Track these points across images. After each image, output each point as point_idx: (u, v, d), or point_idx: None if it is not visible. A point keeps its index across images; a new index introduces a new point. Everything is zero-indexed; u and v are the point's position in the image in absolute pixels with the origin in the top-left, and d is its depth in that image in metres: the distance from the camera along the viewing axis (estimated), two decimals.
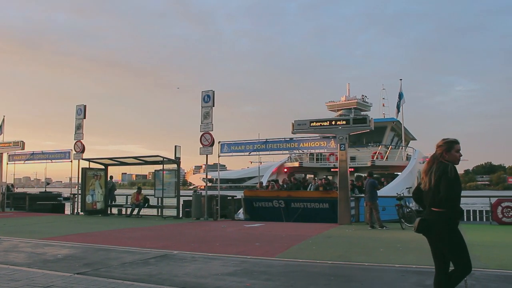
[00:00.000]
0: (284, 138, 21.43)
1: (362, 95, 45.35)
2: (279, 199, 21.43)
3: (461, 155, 5.08)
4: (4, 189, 28.17)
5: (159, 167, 23.37)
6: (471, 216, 22.22)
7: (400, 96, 33.43)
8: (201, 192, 23.14)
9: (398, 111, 33.38)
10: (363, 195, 18.98)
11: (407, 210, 17.50)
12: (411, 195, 7.40)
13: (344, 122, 18.89)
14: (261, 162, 39.30)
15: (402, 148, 32.40)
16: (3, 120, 31.50)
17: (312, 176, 33.36)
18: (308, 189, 23.20)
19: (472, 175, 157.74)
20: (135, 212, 23.37)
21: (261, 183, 25.31)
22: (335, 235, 14.26)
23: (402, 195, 18.13)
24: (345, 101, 44.35)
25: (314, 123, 19.30)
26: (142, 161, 24.53)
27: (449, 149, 5.09)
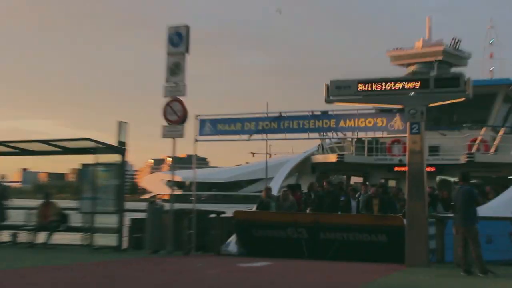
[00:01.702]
0: (312, 112, 21.25)
1: (454, 39, 45.03)
2: (297, 226, 21.56)
3: None
4: None
5: (89, 159, 23.27)
6: None
7: None
8: (162, 206, 23.09)
9: None
10: (451, 214, 18.88)
11: None
12: None
13: (419, 84, 18.81)
14: (270, 154, 39.25)
15: None
16: None
17: (361, 179, 33.28)
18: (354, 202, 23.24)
19: None
20: (43, 238, 23.32)
21: (268, 190, 25.21)
22: (399, 286, 14.14)
23: None
24: (422, 48, 44.17)
25: (365, 85, 19.23)
26: (58, 148, 24.40)
27: None
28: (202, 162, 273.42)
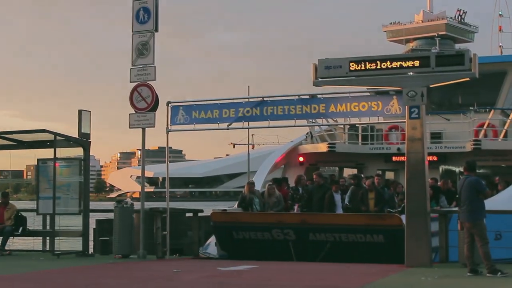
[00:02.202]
0: (299, 96, 21.32)
1: (458, 10, 45.20)
2: (283, 228, 21.66)
3: None
4: None
5: (48, 153, 23.27)
6: None
7: None
8: (132, 205, 23.14)
9: None
10: (456, 208, 18.99)
11: None
12: None
13: (419, 63, 18.87)
14: (252, 145, 39.34)
15: None
16: None
17: (355, 171, 33.40)
18: (347, 196, 23.43)
19: None
20: None
21: (250, 185, 25.26)
22: None
23: None
24: (422, 21, 44.29)
25: (358, 64, 19.27)
26: (12, 141, 24.36)
27: None
28: (177, 155, 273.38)
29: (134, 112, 22.04)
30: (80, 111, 22.75)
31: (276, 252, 21.08)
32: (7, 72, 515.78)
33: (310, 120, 23.43)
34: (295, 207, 23.43)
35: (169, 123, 22.45)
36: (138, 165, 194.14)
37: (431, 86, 19.26)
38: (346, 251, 20.42)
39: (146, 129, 22.10)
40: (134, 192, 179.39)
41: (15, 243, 24.03)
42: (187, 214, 27.82)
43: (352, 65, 19.31)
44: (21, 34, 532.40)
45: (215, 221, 22.96)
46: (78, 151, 23.10)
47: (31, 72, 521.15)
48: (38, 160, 23.56)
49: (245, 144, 38.65)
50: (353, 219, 21.53)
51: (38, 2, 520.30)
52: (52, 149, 22.60)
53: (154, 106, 21.83)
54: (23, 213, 24.08)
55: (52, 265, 19.51)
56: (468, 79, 19.00)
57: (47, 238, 23.50)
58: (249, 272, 17.40)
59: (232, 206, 25.87)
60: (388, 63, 19.18)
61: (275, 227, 21.63)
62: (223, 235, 22.68)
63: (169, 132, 22.61)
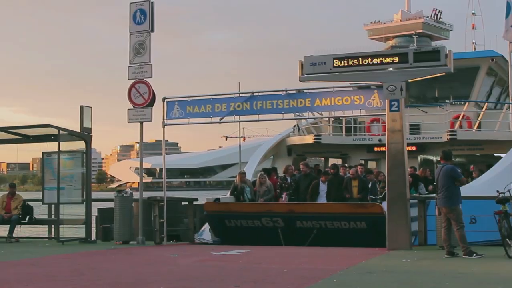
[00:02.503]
0: (286, 91, 21.30)
1: (435, 9, 45.23)
2: (272, 216, 21.77)
3: None
4: None
5: (52, 146, 23.21)
6: None
7: (508, 8, 33.28)
8: (131, 194, 23.11)
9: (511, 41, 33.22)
10: (434, 195, 19.03)
11: None
12: None
13: (398, 59, 18.89)
14: (244, 138, 39.20)
15: (508, 107, 32.46)
16: None
17: (340, 161, 33.43)
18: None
19: None
20: (6, 232, 23.27)
21: (242, 175, 25.23)
22: (380, 270, 14.27)
23: (508, 194, 18.20)
24: (401, 20, 44.27)
25: (341, 61, 19.27)
26: (18, 135, 24.29)
27: None
28: (173, 148, 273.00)
29: (132, 108, 21.99)
30: (81, 107, 22.72)
31: (266, 237, 21.10)
32: (14, 70, 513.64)
33: (297, 113, 23.41)
34: (283, 195, 23.43)
35: (165, 118, 22.41)
36: (137, 157, 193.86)
37: (409, 80, 19.29)
38: (332, 237, 20.44)
39: (144, 123, 22.04)
40: (133, 182, 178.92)
41: (23, 231, 24.01)
42: (183, 203, 27.79)
43: (336, 61, 19.31)
44: (27, 36, 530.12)
45: (208, 211, 23.02)
46: (80, 144, 23.07)
47: (36, 70, 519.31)
48: (43, 153, 23.60)
49: (236, 137, 38.40)
50: (337, 208, 21.58)
51: (39, 3, 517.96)
52: (56, 143, 22.59)
53: (151, 102, 21.79)
54: (30, 203, 24.07)
55: (57, 251, 19.49)
56: (444, 73, 19.07)
57: (52, 226, 23.52)
58: (241, 256, 17.40)
59: (225, 195, 25.86)
60: (369, 59, 19.18)
61: (265, 215, 21.71)
62: (216, 223, 22.75)
63: (165, 126, 22.56)
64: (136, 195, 22.90)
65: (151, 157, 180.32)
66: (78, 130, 22.70)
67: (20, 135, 24.25)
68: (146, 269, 15.07)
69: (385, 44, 41.92)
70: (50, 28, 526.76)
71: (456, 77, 25.80)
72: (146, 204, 22.35)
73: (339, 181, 23.05)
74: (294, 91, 21.25)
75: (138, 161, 24.58)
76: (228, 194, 24.76)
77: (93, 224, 24.17)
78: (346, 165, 28.67)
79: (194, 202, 24.82)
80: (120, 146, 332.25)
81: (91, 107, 22.96)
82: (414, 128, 30.52)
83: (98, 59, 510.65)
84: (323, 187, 23.02)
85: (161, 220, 22.08)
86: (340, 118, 31.07)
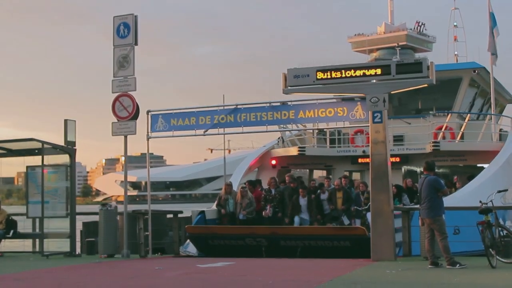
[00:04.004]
0: (270, 103, 21.33)
1: (417, 22, 45.47)
2: (255, 237, 21.91)
3: None
4: None
5: (36, 160, 23.15)
6: None
7: (493, 22, 33.51)
8: (116, 208, 23.02)
9: (495, 54, 33.44)
10: (417, 206, 19.07)
11: (502, 233, 17.64)
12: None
13: (381, 71, 18.92)
14: (229, 150, 39.27)
15: (491, 118, 32.63)
16: None
17: (325, 173, 33.46)
18: (317, 196, 23.54)
19: None
20: None
21: (228, 186, 25.23)
22: (365, 281, 14.31)
23: (491, 205, 18.26)
24: (384, 33, 44.45)
25: (324, 73, 19.31)
26: (2, 150, 24.20)
27: None
28: (159, 161, 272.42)
29: (116, 121, 21.96)
30: (65, 121, 22.67)
31: (250, 254, 21.08)
32: None
33: (281, 125, 23.48)
34: (268, 207, 23.46)
35: (149, 131, 22.40)
36: (122, 171, 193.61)
37: (392, 92, 19.37)
38: (316, 254, 20.48)
39: (128, 136, 22.03)
40: (119, 195, 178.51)
41: (6, 246, 23.88)
42: (168, 216, 27.73)
43: (319, 74, 19.35)
44: (10, 50, 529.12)
45: (191, 234, 23.16)
46: (65, 158, 23.00)
47: (19, 84, 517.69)
48: (27, 167, 23.48)
49: (221, 149, 38.48)
50: (321, 231, 21.89)
51: (22, 18, 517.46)
52: (40, 157, 22.54)
53: (135, 115, 21.77)
54: (14, 217, 23.95)
55: (41, 265, 19.39)
56: (426, 85, 19.13)
57: (37, 240, 23.40)
58: (226, 268, 17.38)
59: (210, 207, 25.86)
60: (352, 71, 19.24)
61: (248, 236, 21.79)
62: (199, 243, 22.89)
63: (150, 139, 22.55)
64: (121, 208, 22.83)
65: (136, 170, 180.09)
66: (63, 144, 22.66)
67: (3, 149, 24.15)
68: (131, 282, 15.06)
69: (369, 57, 42.02)
70: (32, 42, 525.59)
71: (439, 88, 25.94)
72: (131, 217, 22.32)
73: (317, 197, 23.35)
74: (278, 103, 21.29)
75: (123, 174, 24.51)
76: (214, 205, 24.80)
77: (78, 238, 24.09)
78: (331, 176, 28.77)
79: (179, 215, 24.78)
80: (105, 159, 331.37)
81: (75, 120, 22.91)
82: (398, 139, 30.57)
83: (82, 72, 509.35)
84: (302, 202, 23.12)
85: (146, 233, 22.06)
86: (324, 130, 31.05)
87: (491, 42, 33.21)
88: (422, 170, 19.06)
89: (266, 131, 22.43)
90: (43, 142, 22.45)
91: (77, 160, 23.39)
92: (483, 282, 14.02)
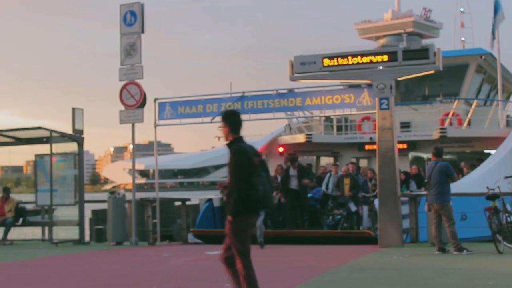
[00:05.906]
0: (277, 90, 21.34)
1: (424, 9, 45.22)
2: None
3: None
4: None
5: (45, 149, 23.19)
6: None
7: (496, 8, 33.38)
8: (124, 195, 23.09)
9: (493, 37, 33.35)
10: (424, 192, 19.06)
11: (509, 219, 17.63)
12: None
13: (387, 57, 18.89)
14: None
15: (498, 104, 32.54)
16: None
17: (332, 160, 33.45)
18: (324, 183, 23.75)
19: None
20: (0, 234, 23.25)
21: None
22: (372, 267, 14.33)
23: (498, 191, 18.25)
24: (391, 19, 44.18)
25: (331, 60, 19.27)
26: (10, 138, 24.27)
27: None
28: (166, 148, 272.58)
29: (124, 109, 22.00)
30: (73, 109, 22.74)
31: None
32: (6, 74, 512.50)
33: (288, 112, 23.46)
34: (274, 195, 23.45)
35: (156, 118, 22.46)
36: (130, 159, 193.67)
37: (399, 79, 19.35)
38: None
39: (136, 124, 22.06)
40: (127, 183, 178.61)
41: (16, 233, 24.00)
42: (176, 203, 27.77)
43: (325, 61, 19.34)
44: (19, 41, 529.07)
45: (196, 234, 23.42)
46: (73, 146, 23.06)
47: (28, 73, 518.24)
48: (36, 155, 23.56)
49: None
50: (327, 233, 22.14)
51: (31, 7, 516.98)
52: (49, 145, 22.60)
53: (142, 103, 21.78)
54: (23, 205, 24.07)
55: (50, 253, 19.49)
56: (433, 71, 19.11)
57: (46, 227, 23.50)
58: None
59: (218, 195, 25.88)
60: (359, 58, 19.22)
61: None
62: (205, 240, 22.92)
63: (157, 127, 22.64)
64: (129, 196, 22.89)
65: (144, 158, 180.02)
66: (71, 132, 22.70)
67: (12, 138, 24.24)
68: (139, 269, 15.10)
69: (376, 43, 41.81)
70: (42, 31, 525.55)
71: (445, 74, 25.86)
72: (139, 205, 22.40)
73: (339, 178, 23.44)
74: (285, 91, 21.32)
75: (131, 162, 24.50)
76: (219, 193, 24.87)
77: (87, 226, 24.17)
78: (338, 163, 28.77)
79: (187, 203, 24.84)
80: (113, 147, 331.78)
81: (82, 109, 22.98)
82: (405, 126, 30.50)
83: (90, 61, 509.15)
84: (293, 172, 22.96)
85: (154, 220, 22.14)
86: (331, 117, 31.01)
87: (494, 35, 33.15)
88: (430, 156, 19.04)
89: (273, 118, 22.48)
90: (51, 131, 22.49)
91: (85, 148, 23.43)
92: (490, 268, 14.02)
